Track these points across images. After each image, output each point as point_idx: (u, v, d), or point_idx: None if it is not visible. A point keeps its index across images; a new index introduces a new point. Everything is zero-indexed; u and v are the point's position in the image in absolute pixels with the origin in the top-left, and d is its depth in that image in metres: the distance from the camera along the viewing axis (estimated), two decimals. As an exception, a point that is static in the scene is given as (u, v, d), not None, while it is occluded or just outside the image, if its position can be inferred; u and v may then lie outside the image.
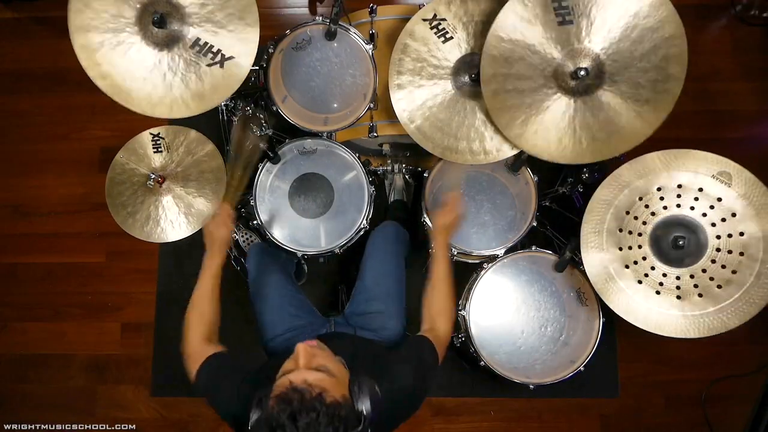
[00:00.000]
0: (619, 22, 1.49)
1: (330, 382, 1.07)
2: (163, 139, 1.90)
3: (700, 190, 1.56)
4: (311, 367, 1.09)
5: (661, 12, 1.47)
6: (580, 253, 1.65)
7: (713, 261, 1.55)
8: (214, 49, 1.56)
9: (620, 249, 1.63)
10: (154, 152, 1.89)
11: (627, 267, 1.62)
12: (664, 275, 1.59)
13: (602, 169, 1.85)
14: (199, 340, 1.46)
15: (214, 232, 1.65)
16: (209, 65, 1.57)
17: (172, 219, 1.87)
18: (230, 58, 1.56)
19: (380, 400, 1.11)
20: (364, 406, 1.06)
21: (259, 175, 1.95)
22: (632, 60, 1.51)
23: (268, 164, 1.96)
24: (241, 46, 1.56)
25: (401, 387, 1.26)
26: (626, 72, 1.53)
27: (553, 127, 1.59)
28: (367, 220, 1.93)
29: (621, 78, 1.53)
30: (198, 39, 1.55)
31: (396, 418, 1.27)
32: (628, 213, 1.62)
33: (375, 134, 1.91)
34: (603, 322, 1.79)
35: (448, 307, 1.53)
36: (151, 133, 1.91)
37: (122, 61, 1.56)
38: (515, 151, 1.69)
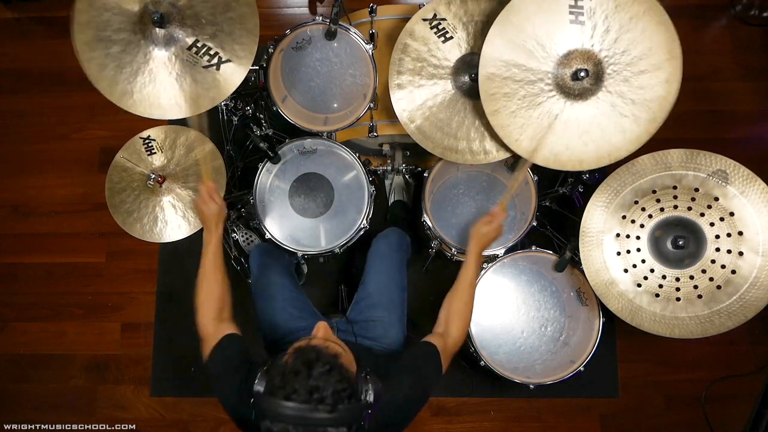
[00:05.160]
0: (619, 27, 1.48)
1: (345, 356, 1.08)
2: (155, 140, 1.90)
3: (696, 190, 1.56)
4: (329, 339, 1.12)
5: (656, 18, 1.47)
6: (579, 253, 1.65)
7: (712, 261, 1.55)
8: (212, 52, 1.56)
9: (618, 254, 1.63)
10: (148, 155, 1.89)
11: (626, 271, 1.62)
12: (664, 277, 1.59)
13: (602, 170, 1.85)
14: (210, 319, 1.44)
15: (204, 209, 1.63)
16: (205, 67, 1.57)
17: (173, 219, 1.87)
18: (227, 61, 1.56)
19: (381, 397, 1.10)
20: (369, 394, 1.05)
21: (259, 175, 1.95)
22: (628, 66, 1.51)
23: (268, 164, 1.96)
24: (239, 50, 1.56)
25: (401, 396, 1.26)
26: (622, 77, 1.52)
27: (548, 131, 1.58)
28: (367, 219, 1.93)
29: (618, 83, 1.52)
30: (196, 40, 1.55)
31: (393, 424, 1.27)
32: (624, 217, 1.62)
33: (375, 134, 1.91)
34: (603, 322, 1.79)
35: (465, 314, 1.52)
36: (140, 137, 1.90)
37: (122, 61, 1.55)
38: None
